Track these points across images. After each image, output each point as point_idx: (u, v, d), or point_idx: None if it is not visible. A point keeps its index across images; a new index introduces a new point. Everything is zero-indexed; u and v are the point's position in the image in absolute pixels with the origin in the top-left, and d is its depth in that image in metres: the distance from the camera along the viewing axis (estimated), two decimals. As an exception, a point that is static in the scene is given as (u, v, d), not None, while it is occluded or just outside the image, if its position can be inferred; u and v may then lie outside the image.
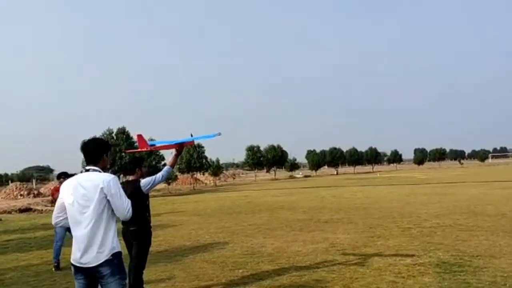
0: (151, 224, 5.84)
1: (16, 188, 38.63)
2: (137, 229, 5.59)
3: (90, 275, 3.55)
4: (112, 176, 3.64)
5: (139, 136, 6.09)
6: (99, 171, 3.67)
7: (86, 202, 3.51)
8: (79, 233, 3.53)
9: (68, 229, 8.03)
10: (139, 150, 5.97)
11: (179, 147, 5.80)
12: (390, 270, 6.57)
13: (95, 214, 3.50)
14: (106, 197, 3.51)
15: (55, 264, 8.03)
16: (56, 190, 8.48)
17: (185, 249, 9.34)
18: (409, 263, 6.95)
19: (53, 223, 3.83)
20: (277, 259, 7.81)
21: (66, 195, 3.64)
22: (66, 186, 3.68)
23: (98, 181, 3.53)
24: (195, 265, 7.68)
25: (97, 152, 3.74)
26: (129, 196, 5.14)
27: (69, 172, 8.72)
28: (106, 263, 3.49)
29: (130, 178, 5.88)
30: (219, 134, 5.80)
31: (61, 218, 3.76)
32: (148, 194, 5.76)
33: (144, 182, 5.56)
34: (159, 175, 5.58)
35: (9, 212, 22.24)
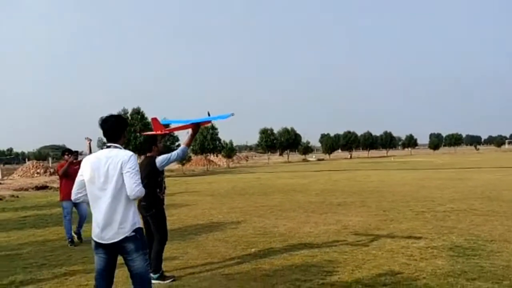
0: (164, 202, 5.88)
1: (32, 166, 39.28)
2: (146, 205, 5.66)
3: (111, 250, 3.59)
4: (132, 153, 3.65)
5: (154, 119, 6.10)
6: (120, 148, 3.68)
7: (106, 179, 3.52)
8: (99, 210, 3.55)
9: (75, 204, 8.25)
10: (154, 133, 5.97)
11: (195, 126, 5.79)
12: (403, 252, 6.55)
13: (116, 190, 3.51)
14: (122, 173, 3.52)
15: (69, 240, 8.18)
16: (61, 166, 8.51)
17: (199, 228, 9.43)
18: (422, 246, 6.92)
19: (72, 199, 3.81)
20: (289, 239, 7.84)
21: (86, 171, 3.63)
22: (86, 163, 3.67)
23: (119, 157, 3.55)
24: (208, 243, 7.76)
25: (117, 129, 3.73)
26: (144, 171, 5.19)
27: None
28: (129, 239, 3.53)
29: (148, 154, 5.92)
30: (233, 114, 5.77)
31: (80, 195, 3.74)
32: (163, 171, 5.81)
33: (160, 158, 5.63)
34: (174, 153, 5.63)
35: (26, 190, 22.66)
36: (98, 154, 3.67)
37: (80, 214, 8.50)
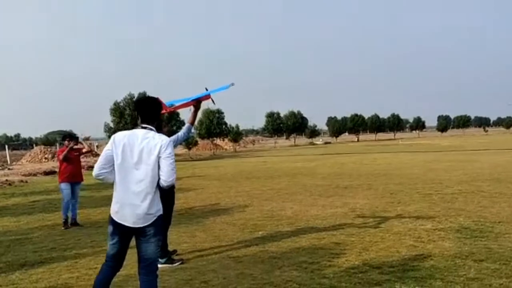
0: (175, 185, 5.92)
1: (40, 152, 39.55)
2: None
3: (130, 234, 3.52)
4: (169, 139, 3.61)
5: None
6: (155, 131, 3.61)
7: (140, 159, 3.42)
8: (127, 190, 3.44)
9: (72, 188, 8.42)
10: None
11: (197, 103, 5.79)
12: (410, 234, 6.55)
13: (150, 173, 3.43)
14: (159, 158, 3.43)
15: (64, 220, 8.40)
16: (62, 151, 8.70)
17: (206, 211, 9.48)
18: (429, 228, 6.91)
19: (94, 174, 3.50)
20: (296, 222, 7.86)
21: (119, 146, 3.47)
22: (120, 137, 3.51)
23: (158, 140, 3.47)
24: (215, 226, 7.80)
25: (154, 110, 3.69)
26: None
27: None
28: (152, 224, 3.47)
29: None
30: (233, 84, 5.73)
31: (105, 171, 3.48)
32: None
33: None
34: (180, 133, 5.70)
35: (35, 175, 22.82)
36: (135, 131, 3.56)
37: (74, 198, 8.64)
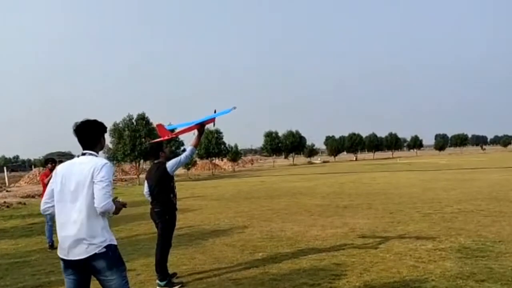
0: (177, 206, 5.94)
1: (39, 173, 39.39)
2: (160, 211, 5.70)
3: (81, 270, 3.25)
4: (107, 161, 3.34)
5: (159, 125, 6.13)
6: (96, 155, 3.39)
7: (77, 188, 3.21)
8: (65, 222, 3.23)
9: None
10: (161, 139, 5.99)
11: (200, 127, 5.83)
12: (411, 254, 6.52)
13: (85, 202, 3.19)
14: (93, 182, 3.19)
15: (50, 244, 8.48)
16: (46, 175, 8.83)
17: (205, 232, 9.43)
18: (430, 248, 6.89)
19: (41, 209, 3.47)
20: (296, 243, 7.83)
21: (57, 180, 3.33)
22: (58, 171, 3.38)
23: (91, 164, 3.25)
24: (215, 248, 7.76)
25: (93, 135, 3.43)
26: (155, 177, 5.23)
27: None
28: (99, 256, 3.18)
29: (156, 161, 5.96)
30: (235, 108, 5.78)
31: (49, 205, 3.38)
32: (173, 176, 5.84)
33: (170, 163, 5.68)
34: (183, 155, 5.73)
35: (33, 197, 22.75)
36: (72, 161, 3.40)
37: None
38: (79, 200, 3.21)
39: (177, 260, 6.88)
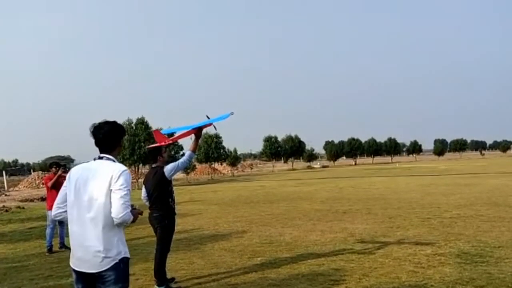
0: (176, 211, 5.93)
1: (38, 177, 39.52)
2: (159, 216, 5.69)
3: (91, 281, 3.05)
4: (125, 168, 3.12)
5: (155, 132, 6.15)
6: (114, 160, 3.17)
7: (92, 195, 3.00)
8: (80, 232, 3.04)
9: None
10: (158, 145, 5.97)
11: (198, 131, 5.83)
12: (410, 260, 6.51)
13: (102, 210, 2.98)
14: (111, 191, 2.99)
15: (48, 248, 8.51)
16: (49, 178, 8.93)
17: (204, 237, 9.41)
18: (429, 253, 6.88)
19: (52, 214, 3.29)
20: (295, 248, 7.81)
21: (70, 186, 3.11)
22: (72, 175, 3.16)
23: (109, 170, 3.03)
24: (213, 253, 7.74)
25: (112, 137, 3.21)
26: (153, 182, 5.22)
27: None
28: (112, 268, 2.99)
29: (154, 165, 5.95)
30: (232, 113, 5.79)
31: (61, 210, 3.20)
32: (171, 181, 5.83)
33: (168, 167, 5.67)
34: (182, 160, 5.72)
35: (31, 201, 22.75)
36: (89, 165, 3.17)
37: (62, 225, 8.78)
38: (94, 209, 2.99)
39: (176, 264, 6.86)
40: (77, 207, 3.06)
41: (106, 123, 3.23)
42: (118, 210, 2.94)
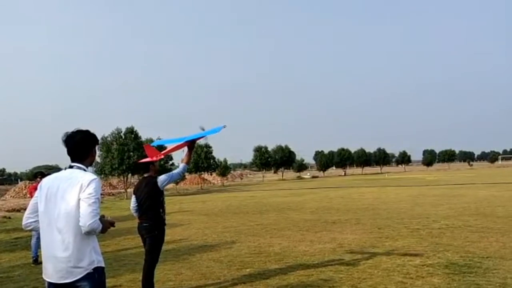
0: (166, 222, 5.86)
1: (25, 187, 38.96)
2: (149, 226, 5.61)
3: None
4: (96, 177, 3.06)
5: (146, 146, 6.10)
6: (84, 169, 3.12)
7: (62, 205, 2.96)
8: (50, 242, 2.99)
9: None
10: (149, 159, 5.91)
11: (190, 144, 5.80)
12: (399, 270, 6.50)
13: (74, 220, 2.92)
14: (79, 199, 2.94)
15: (34, 258, 8.35)
16: (34, 188, 8.81)
17: (192, 248, 9.33)
18: (417, 264, 6.88)
19: (22, 224, 3.29)
20: (284, 258, 7.77)
21: (41, 195, 3.10)
22: (43, 185, 3.14)
23: (78, 179, 2.98)
24: (202, 264, 7.67)
25: (84, 146, 3.16)
26: (144, 191, 5.15)
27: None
28: (85, 277, 2.94)
29: (146, 175, 5.91)
30: (225, 126, 5.77)
31: (32, 220, 3.19)
32: (163, 191, 5.77)
33: (161, 178, 5.62)
34: (176, 171, 5.69)
35: (18, 211, 22.39)
36: (59, 175, 3.13)
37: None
38: (65, 218, 2.94)
39: (163, 275, 6.78)
40: (48, 217, 3.02)
41: (79, 132, 3.19)
42: (86, 219, 2.88)
